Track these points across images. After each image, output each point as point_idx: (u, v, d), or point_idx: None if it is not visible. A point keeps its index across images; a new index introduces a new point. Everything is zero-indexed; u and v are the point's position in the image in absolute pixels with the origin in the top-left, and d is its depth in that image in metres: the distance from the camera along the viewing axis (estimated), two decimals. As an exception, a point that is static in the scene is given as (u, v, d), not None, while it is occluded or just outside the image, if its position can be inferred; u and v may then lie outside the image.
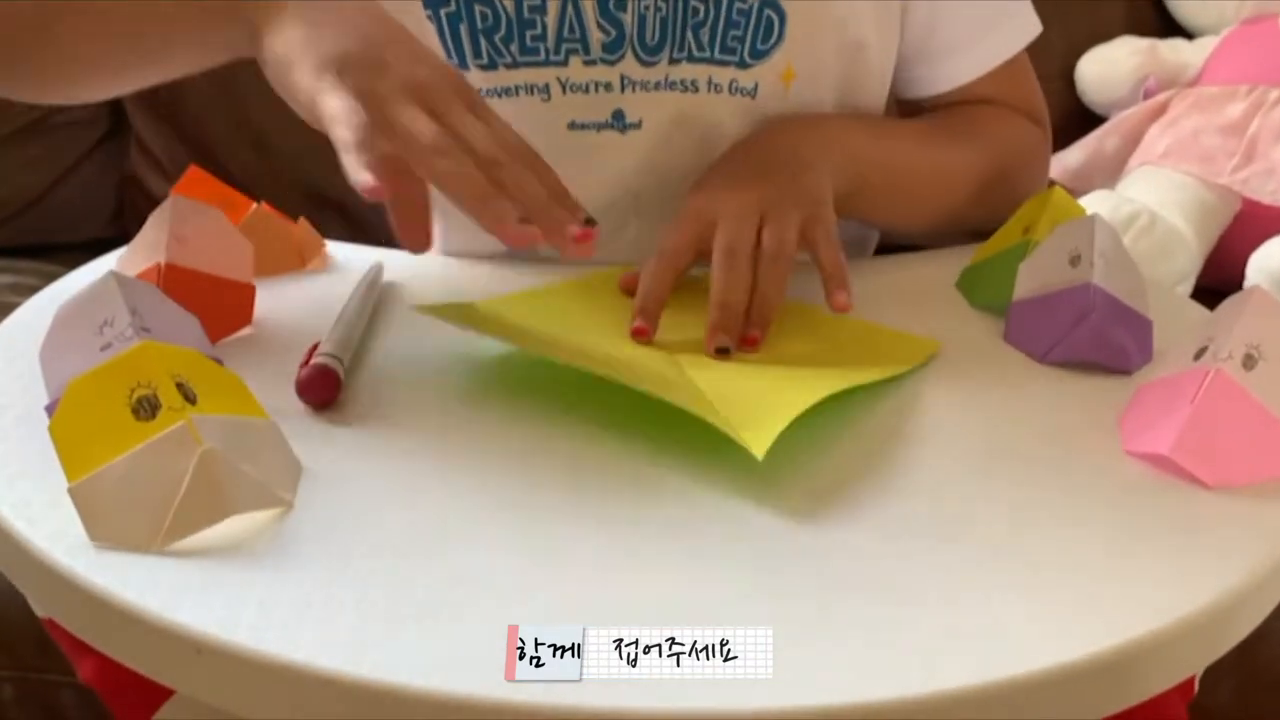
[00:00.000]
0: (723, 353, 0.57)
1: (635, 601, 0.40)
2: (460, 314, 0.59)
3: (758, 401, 0.51)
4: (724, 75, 0.68)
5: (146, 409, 0.44)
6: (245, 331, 0.60)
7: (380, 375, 0.56)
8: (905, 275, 0.71)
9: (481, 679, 0.36)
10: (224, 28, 0.56)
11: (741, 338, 0.57)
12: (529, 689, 0.36)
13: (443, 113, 0.51)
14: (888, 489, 0.48)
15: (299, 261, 0.70)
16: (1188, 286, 1.07)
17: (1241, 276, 1.07)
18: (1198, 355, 0.52)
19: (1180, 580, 0.42)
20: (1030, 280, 0.64)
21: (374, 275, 0.66)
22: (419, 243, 0.53)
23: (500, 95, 0.68)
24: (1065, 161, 1.26)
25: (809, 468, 0.49)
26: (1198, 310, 0.70)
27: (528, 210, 0.51)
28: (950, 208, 0.73)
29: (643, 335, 0.58)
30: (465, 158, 0.50)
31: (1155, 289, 0.65)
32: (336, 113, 0.49)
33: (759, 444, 0.46)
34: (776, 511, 0.46)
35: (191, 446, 0.43)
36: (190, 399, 0.45)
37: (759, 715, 0.36)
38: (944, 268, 0.71)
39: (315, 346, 0.56)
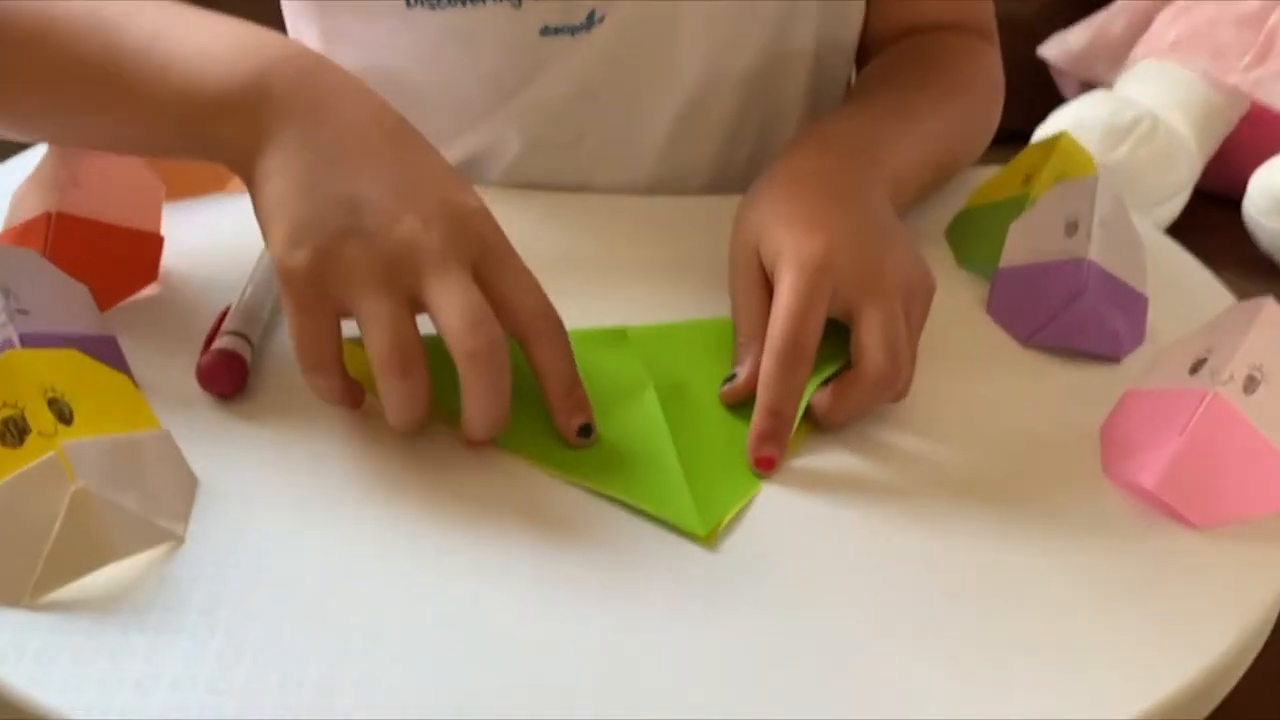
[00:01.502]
0: (766, 463, 0.45)
1: (590, 647, 0.37)
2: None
3: (716, 476, 0.45)
4: None
5: (13, 433, 0.39)
6: (150, 288, 0.54)
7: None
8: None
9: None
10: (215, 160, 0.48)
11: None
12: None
13: (421, 289, 0.43)
14: (842, 529, 0.44)
15: (217, 182, 0.63)
16: (1183, 198, 1.01)
17: (1242, 186, 1.01)
18: (1194, 368, 0.48)
19: (1157, 662, 0.39)
20: (1020, 245, 0.58)
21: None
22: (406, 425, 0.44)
23: (466, 2, 0.60)
24: (1068, 42, 1.18)
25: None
26: (1183, 258, 0.65)
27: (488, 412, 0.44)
28: (954, 173, 0.67)
29: (768, 467, 0.45)
30: (417, 373, 0.42)
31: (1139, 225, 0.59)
32: (294, 337, 0.44)
33: (705, 524, 0.43)
34: (724, 549, 0.42)
35: (63, 482, 0.38)
36: (65, 418, 0.40)
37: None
38: (931, 212, 0.65)
39: (224, 314, 0.51)
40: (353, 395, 0.45)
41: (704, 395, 0.49)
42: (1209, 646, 0.39)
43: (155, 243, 0.54)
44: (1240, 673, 0.41)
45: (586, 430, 0.45)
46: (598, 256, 0.59)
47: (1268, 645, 0.43)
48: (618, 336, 0.52)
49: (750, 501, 0.44)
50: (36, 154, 0.58)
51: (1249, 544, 0.44)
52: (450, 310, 0.42)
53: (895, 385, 0.47)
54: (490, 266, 0.44)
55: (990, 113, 0.68)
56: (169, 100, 0.47)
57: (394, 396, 0.43)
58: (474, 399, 0.43)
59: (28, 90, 0.50)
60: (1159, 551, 0.44)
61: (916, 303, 0.50)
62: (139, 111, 0.48)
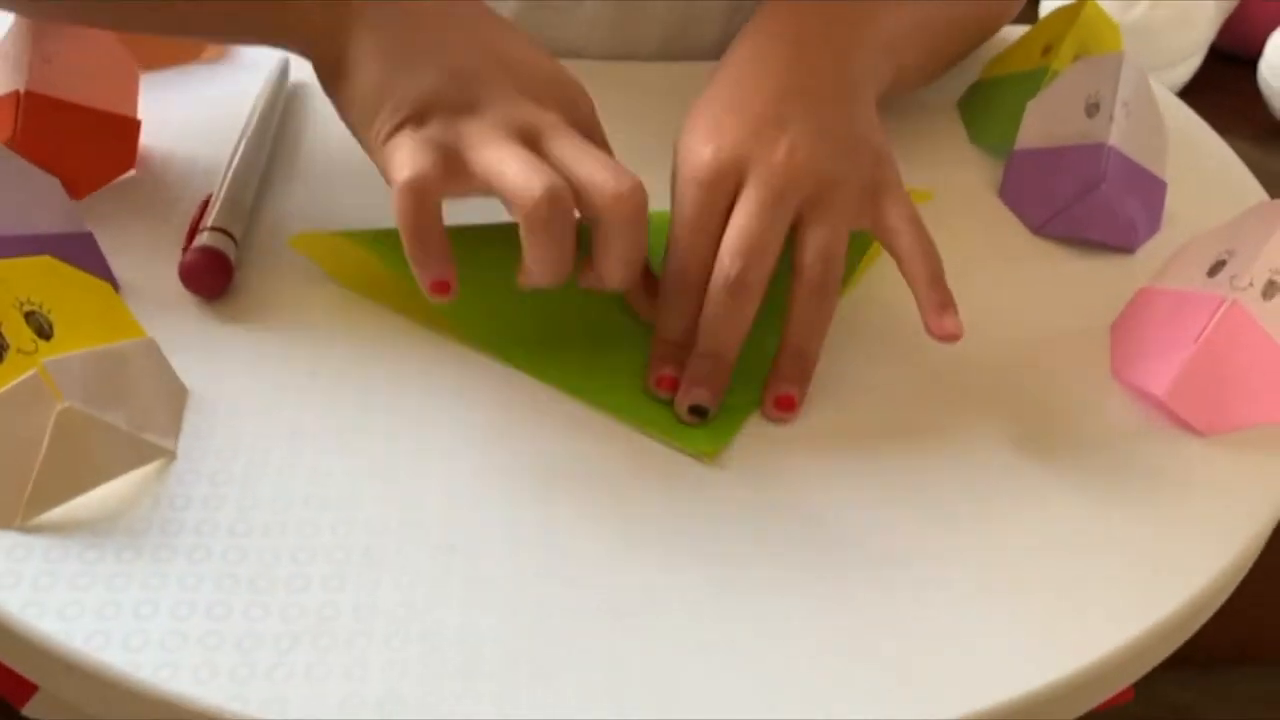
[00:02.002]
0: (698, 414, 0.42)
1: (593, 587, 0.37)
2: (344, 252, 0.47)
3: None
4: None
5: (-9, 350, 0.37)
6: (127, 173, 0.52)
7: (286, 239, 0.49)
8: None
9: None
10: (294, 49, 0.45)
11: (779, 398, 0.43)
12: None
13: (543, 150, 0.41)
14: (838, 434, 0.43)
15: (192, 50, 0.60)
16: (1199, 58, 0.96)
17: (1258, 46, 0.97)
18: (1213, 270, 0.46)
19: (1153, 582, 0.39)
20: (1037, 125, 0.56)
21: (276, 84, 0.57)
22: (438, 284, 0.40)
23: None
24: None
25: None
26: (1201, 130, 0.63)
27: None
28: (963, 49, 0.62)
29: (788, 408, 0.42)
30: (566, 202, 0.39)
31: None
32: (401, 159, 0.39)
33: (711, 444, 0.42)
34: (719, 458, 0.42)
35: (48, 401, 0.37)
36: (44, 332, 0.38)
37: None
38: (945, 83, 0.62)
39: (206, 203, 0.48)
40: (449, 269, 0.40)
41: None
42: (1210, 561, 0.39)
43: (132, 128, 0.52)
44: (1237, 582, 0.41)
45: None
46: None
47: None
48: None
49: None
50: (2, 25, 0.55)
51: (1253, 452, 0.44)
52: (591, 164, 0.40)
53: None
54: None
55: None
56: None
57: (540, 236, 0.39)
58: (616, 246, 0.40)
59: None
60: (1163, 459, 0.43)
61: (876, 187, 0.44)
62: None
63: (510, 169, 0.39)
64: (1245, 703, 0.91)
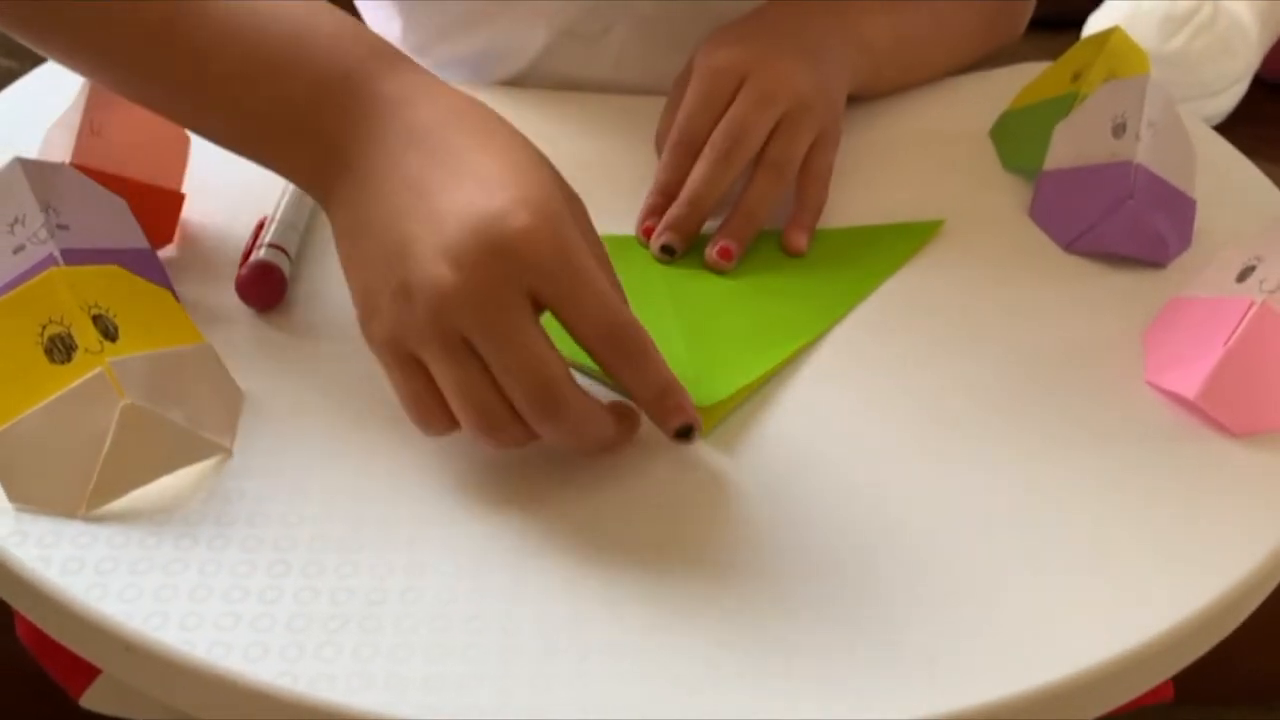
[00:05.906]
0: (667, 252, 0.52)
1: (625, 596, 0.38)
2: None
3: (715, 362, 0.46)
4: None
5: (61, 350, 0.40)
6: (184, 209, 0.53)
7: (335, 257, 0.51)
8: (931, 117, 0.64)
9: (431, 705, 0.34)
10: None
11: (721, 248, 0.52)
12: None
13: (471, 341, 0.38)
14: (877, 438, 0.44)
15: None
16: (1241, 88, 0.97)
17: (1302, 73, 0.98)
18: (1242, 276, 0.47)
19: (1187, 576, 0.39)
20: (1066, 147, 0.57)
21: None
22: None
23: None
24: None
25: (771, 388, 0.45)
26: (1233, 157, 0.63)
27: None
28: (955, 62, 0.66)
29: (647, 234, 0.53)
30: (504, 433, 0.39)
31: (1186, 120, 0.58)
32: (398, 393, 0.40)
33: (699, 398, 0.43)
34: (752, 456, 0.43)
35: (112, 398, 0.39)
36: (110, 334, 0.40)
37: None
38: (977, 111, 0.63)
39: (261, 225, 0.51)
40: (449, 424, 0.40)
41: (709, 296, 0.50)
42: (1245, 557, 0.40)
43: (174, 201, 0.52)
44: (1274, 582, 0.42)
45: (685, 431, 0.41)
46: (620, 161, 0.59)
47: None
48: (627, 244, 0.53)
49: (755, 388, 0.45)
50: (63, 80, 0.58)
51: (1288, 455, 0.44)
52: (507, 378, 0.38)
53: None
54: (548, 291, 0.38)
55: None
56: (242, 110, 0.44)
57: (491, 444, 0.40)
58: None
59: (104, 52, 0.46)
60: (1197, 459, 0.44)
61: (825, 136, 0.56)
62: (211, 111, 0.45)
63: (460, 404, 0.39)
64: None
